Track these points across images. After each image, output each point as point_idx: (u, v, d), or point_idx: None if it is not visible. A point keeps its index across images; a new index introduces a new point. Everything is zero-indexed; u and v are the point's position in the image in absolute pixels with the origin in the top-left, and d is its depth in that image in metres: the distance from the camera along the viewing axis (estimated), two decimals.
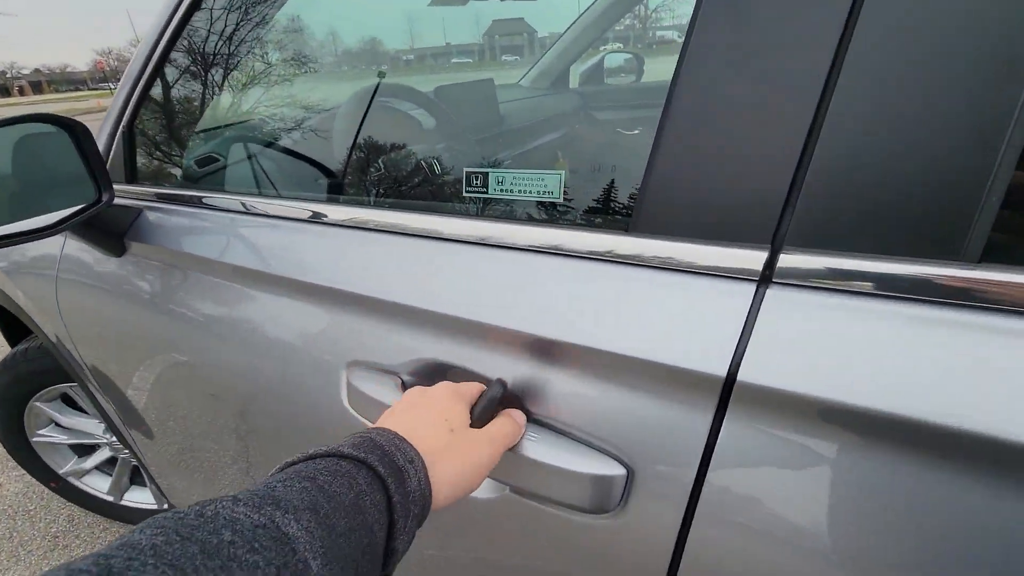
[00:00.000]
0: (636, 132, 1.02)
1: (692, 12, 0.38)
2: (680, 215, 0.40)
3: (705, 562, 0.41)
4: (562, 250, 0.46)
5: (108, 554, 0.22)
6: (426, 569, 0.65)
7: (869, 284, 0.34)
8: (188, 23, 0.80)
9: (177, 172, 0.94)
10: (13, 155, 0.74)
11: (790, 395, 0.35)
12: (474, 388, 0.47)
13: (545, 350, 0.46)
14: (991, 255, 0.31)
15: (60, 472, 1.48)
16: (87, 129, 0.74)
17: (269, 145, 0.94)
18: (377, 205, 0.69)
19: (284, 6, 0.86)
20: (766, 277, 0.37)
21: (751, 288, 0.37)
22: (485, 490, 0.51)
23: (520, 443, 0.45)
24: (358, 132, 0.80)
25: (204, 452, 0.92)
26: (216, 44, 0.85)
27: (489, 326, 0.48)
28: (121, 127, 0.87)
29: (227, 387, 0.75)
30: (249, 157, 0.90)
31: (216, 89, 0.92)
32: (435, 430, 0.41)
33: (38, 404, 1.38)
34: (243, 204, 0.72)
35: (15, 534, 1.53)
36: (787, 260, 0.36)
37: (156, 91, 0.88)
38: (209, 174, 0.92)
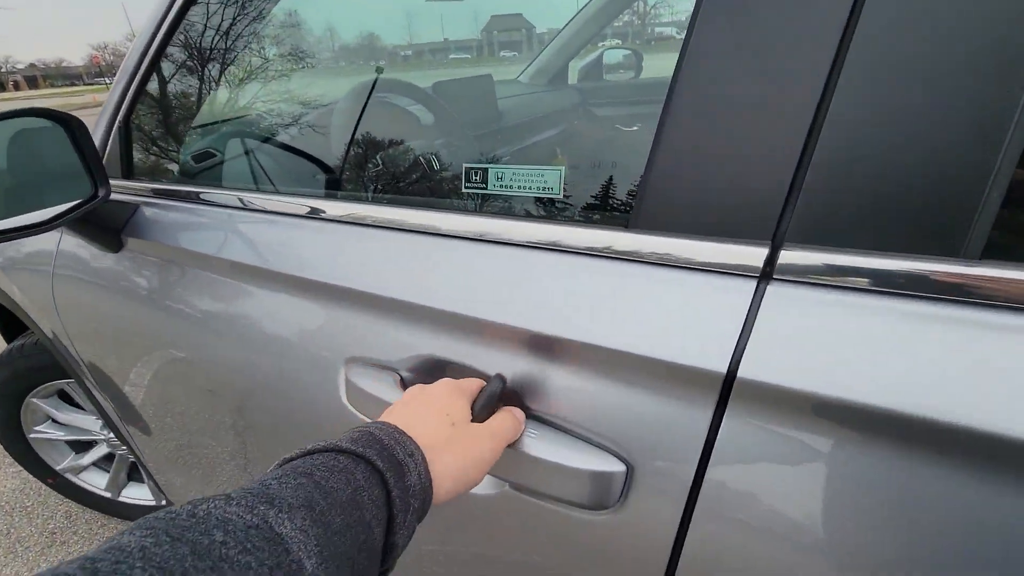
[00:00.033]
0: (635, 129, 1.02)
1: (693, 8, 0.38)
2: (681, 211, 0.40)
3: (704, 558, 0.41)
4: (561, 246, 0.46)
5: (95, 557, 0.22)
6: (426, 565, 0.65)
7: (870, 280, 0.34)
8: (184, 17, 0.80)
9: (174, 168, 0.94)
10: (8, 150, 0.74)
11: (791, 391, 0.35)
12: (475, 384, 0.47)
13: (545, 346, 0.46)
14: (992, 252, 0.31)
15: (57, 468, 1.48)
16: (83, 124, 0.73)
17: (266, 141, 0.93)
18: (375, 201, 0.69)
19: (281, 1, 0.86)
20: (766, 273, 0.37)
21: (751, 284, 0.37)
22: (485, 486, 0.51)
23: (520, 439, 0.45)
24: (356, 128, 0.80)
25: (202, 448, 0.91)
26: (213, 39, 0.85)
27: (488, 322, 0.48)
28: (117, 122, 0.87)
29: (225, 383, 0.75)
30: (246, 153, 0.90)
31: (213, 84, 0.91)
32: (436, 424, 0.41)
33: (35, 400, 1.38)
34: (240, 200, 0.72)
35: (12, 530, 1.53)
36: (788, 256, 0.36)
37: (152, 86, 0.87)
38: (206, 170, 0.91)
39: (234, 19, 0.83)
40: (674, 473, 0.41)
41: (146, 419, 1.00)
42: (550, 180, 0.51)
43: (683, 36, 0.38)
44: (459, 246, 0.52)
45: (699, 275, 0.39)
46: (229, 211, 0.73)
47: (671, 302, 0.40)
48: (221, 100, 0.95)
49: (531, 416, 0.47)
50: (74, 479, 1.50)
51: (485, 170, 0.55)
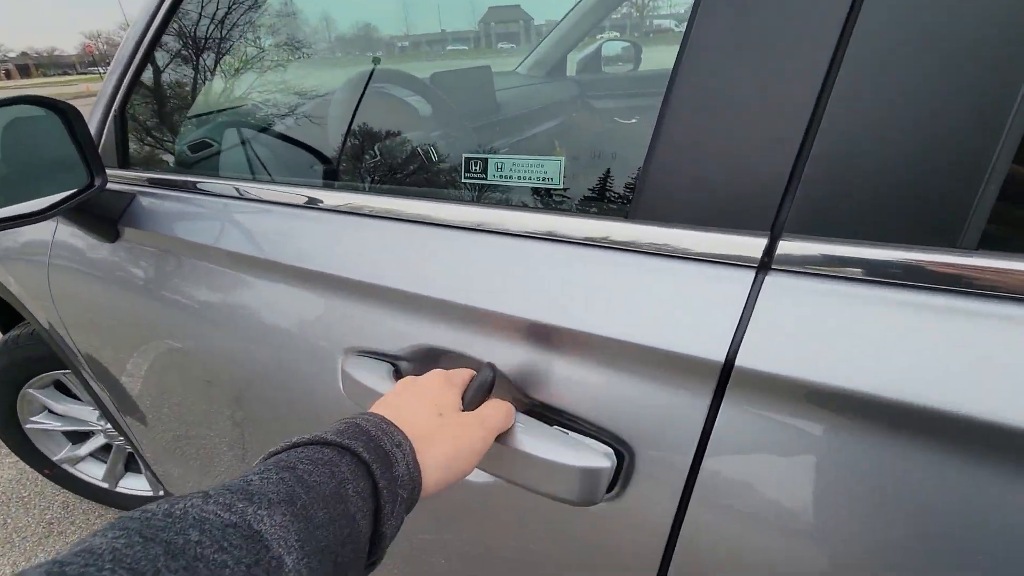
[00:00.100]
0: (634, 121, 1.02)
1: (694, 1, 0.38)
2: (680, 202, 0.40)
3: (700, 546, 0.42)
4: (560, 236, 0.46)
5: (64, 560, 0.22)
6: (421, 554, 0.65)
7: (867, 271, 0.34)
8: (180, 5, 0.79)
9: (170, 157, 0.93)
10: (3, 139, 0.73)
11: (788, 380, 0.35)
12: (465, 374, 0.47)
13: (543, 335, 0.46)
14: (988, 243, 0.31)
15: (54, 459, 1.48)
16: (79, 112, 0.73)
17: (263, 130, 0.93)
18: (373, 191, 0.69)
19: None
20: (765, 264, 0.37)
21: (750, 275, 0.37)
22: (480, 474, 0.52)
23: (511, 429, 0.45)
24: (353, 118, 0.80)
25: (200, 439, 0.92)
26: (209, 27, 0.84)
27: (486, 311, 0.48)
28: (113, 111, 0.86)
29: (222, 373, 0.75)
30: (243, 142, 0.89)
31: (209, 73, 0.90)
32: (425, 415, 0.41)
33: (31, 391, 1.37)
34: (238, 189, 0.71)
35: (9, 521, 1.53)
36: (786, 247, 0.36)
37: (148, 75, 0.87)
38: (203, 159, 0.91)
39: (230, 7, 0.83)
40: (671, 461, 0.41)
41: (144, 409, 1.00)
42: (550, 171, 0.51)
43: (681, 28, 0.39)
44: (458, 236, 0.52)
45: (698, 265, 0.40)
46: (226, 201, 0.72)
47: (670, 292, 0.40)
48: (217, 89, 0.94)
49: (527, 406, 0.48)
50: (71, 470, 1.50)
51: (485, 160, 0.55)
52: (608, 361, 0.43)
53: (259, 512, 0.27)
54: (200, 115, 0.96)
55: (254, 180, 0.78)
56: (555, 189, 0.52)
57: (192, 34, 0.85)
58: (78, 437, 1.51)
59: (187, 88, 0.92)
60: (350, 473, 0.33)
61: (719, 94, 0.37)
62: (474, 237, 0.51)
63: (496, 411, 0.44)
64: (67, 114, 0.71)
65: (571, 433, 0.45)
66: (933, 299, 0.32)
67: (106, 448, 1.48)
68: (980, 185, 0.31)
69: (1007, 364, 0.30)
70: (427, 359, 0.54)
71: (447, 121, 0.98)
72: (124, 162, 0.88)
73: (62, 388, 1.43)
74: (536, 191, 0.53)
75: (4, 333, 1.38)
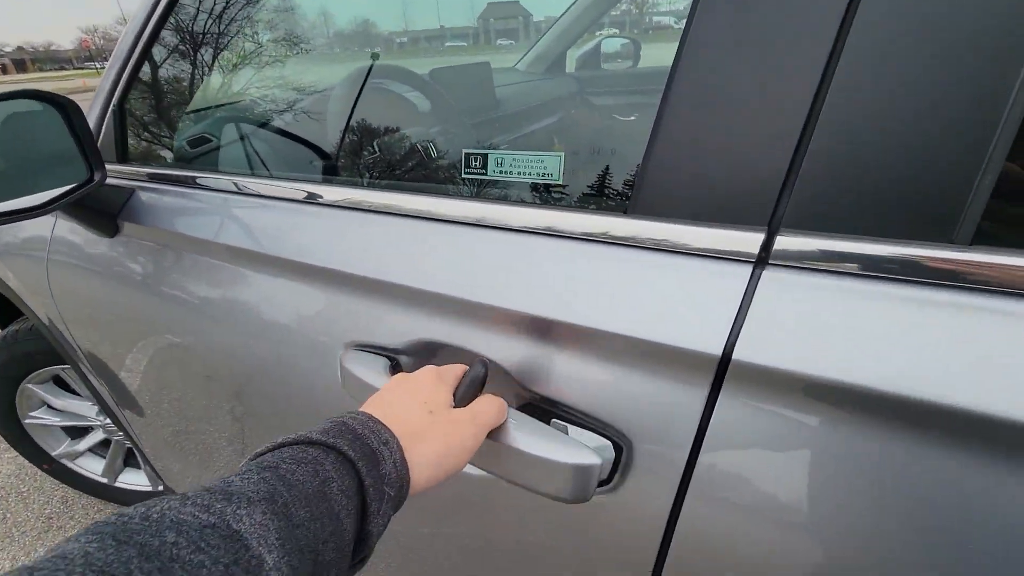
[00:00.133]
0: (633, 117, 1.02)
1: None
2: (679, 198, 0.40)
3: (697, 538, 0.42)
4: (560, 231, 0.46)
5: (35, 566, 0.21)
6: (417, 548, 0.65)
7: (864, 266, 0.34)
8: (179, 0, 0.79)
9: (169, 152, 0.93)
10: (1, 133, 0.73)
11: (785, 374, 0.35)
12: (457, 370, 0.47)
13: (543, 330, 0.46)
14: (982, 238, 0.32)
15: (53, 454, 1.48)
16: (78, 107, 0.73)
17: (263, 126, 0.93)
18: (373, 186, 0.69)
19: None
20: (762, 259, 0.37)
21: (747, 269, 0.38)
22: (477, 468, 0.52)
23: (503, 426, 0.44)
24: (352, 113, 0.80)
25: (199, 434, 0.92)
26: (208, 22, 0.84)
27: (487, 306, 0.48)
28: (112, 106, 0.86)
29: (222, 369, 0.75)
30: (243, 138, 0.89)
31: (208, 68, 0.90)
32: (414, 412, 0.40)
33: (30, 386, 1.37)
34: (237, 185, 0.72)
35: (8, 515, 1.54)
36: (783, 242, 0.36)
37: (147, 70, 0.86)
38: (202, 154, 0.91)
39: (229, 1, 0.83)
40: (669, 454, 0.41)
41: (143, 405, 1.00)
42: (550, 166, 0.52)
43: (680, 25, 0.39)
44: (458, 231, 0.52)
45: (696, 260, 0.40)
46: (226, 196, 0.72)
47: (668, 286, 0.40)
48: (217, 84, 0.94)
49: (526, 399, 0.48)
50: (70, 465, 1.50)
51: (485, 156, 0.55)
52: (606, 355, 0.43)
53: (238, 511, 0.27)
54: (200, 110, 0.95)
55: (254, 175, 0.78)
56: (555, 185, 0.52)
57: (191, 29, 0.84)
58: (77, 432, 1.51)
59: (186, 83, 0.92)
60: (335, 471, 0.33)
61: (718, 90, 0.38)
62: (474, 232, 0.51)
63: (488, 407, 0.43)
64: (66, 108, 0.71)
65: (568, 427, 0.45)
66: (928, 293, 0.33)
67: (105, 443, 1.48)
68: (974, 181, 0.31)
69: (1002, 358, 0.30)
70: (427, 353, 0.54)
71: (446, 117, 0.98)
72: (123, 157, 0.88)
73: (61, 383, 1.43)
74: (536, 187, 0.53)
75: (3, 328, 1.38)
